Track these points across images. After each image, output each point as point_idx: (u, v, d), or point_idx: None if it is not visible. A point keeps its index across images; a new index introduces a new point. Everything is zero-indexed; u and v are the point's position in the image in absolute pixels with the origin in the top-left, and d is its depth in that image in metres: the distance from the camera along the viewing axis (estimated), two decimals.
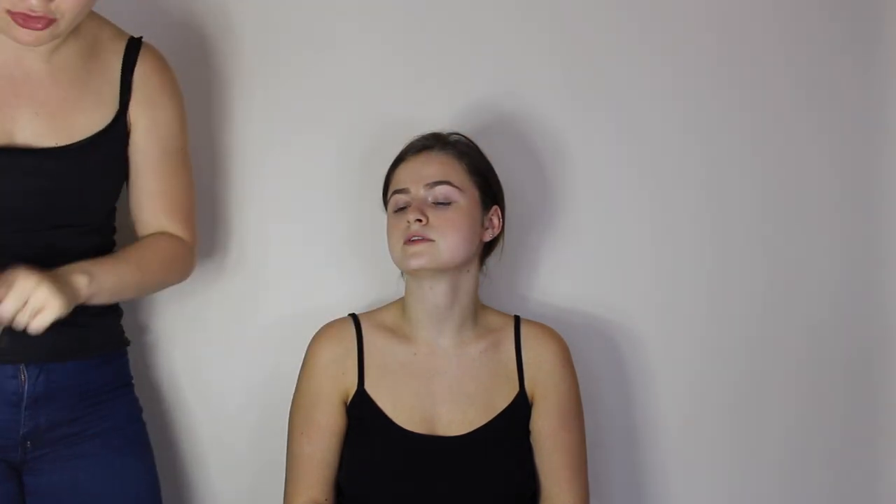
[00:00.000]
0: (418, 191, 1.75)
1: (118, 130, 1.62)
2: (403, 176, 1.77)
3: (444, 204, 1.73)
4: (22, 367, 1.56)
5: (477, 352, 1.80)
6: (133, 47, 1.66)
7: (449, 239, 1.71)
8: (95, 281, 1.50)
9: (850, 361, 2.16)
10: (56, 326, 1.41)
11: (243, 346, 1.98)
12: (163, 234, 1.68)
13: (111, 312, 1.69)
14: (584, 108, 2.04)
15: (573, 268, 2.05)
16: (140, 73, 1.65)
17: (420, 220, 1.71)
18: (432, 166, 1.76)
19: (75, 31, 1.56)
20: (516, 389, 1.79)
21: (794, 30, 2.10)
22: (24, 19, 1.44)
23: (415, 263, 1.71)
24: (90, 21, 1.59)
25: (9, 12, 1.45)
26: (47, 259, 1.48)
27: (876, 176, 2.15)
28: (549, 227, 2.05)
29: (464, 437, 1.75)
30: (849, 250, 2.15)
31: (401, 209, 1.76)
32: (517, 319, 1.84)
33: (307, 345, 1.81)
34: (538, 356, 1.81)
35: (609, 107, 2.04)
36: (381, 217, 1.84)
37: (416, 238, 1.71)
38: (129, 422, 1.70)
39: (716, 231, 2.09)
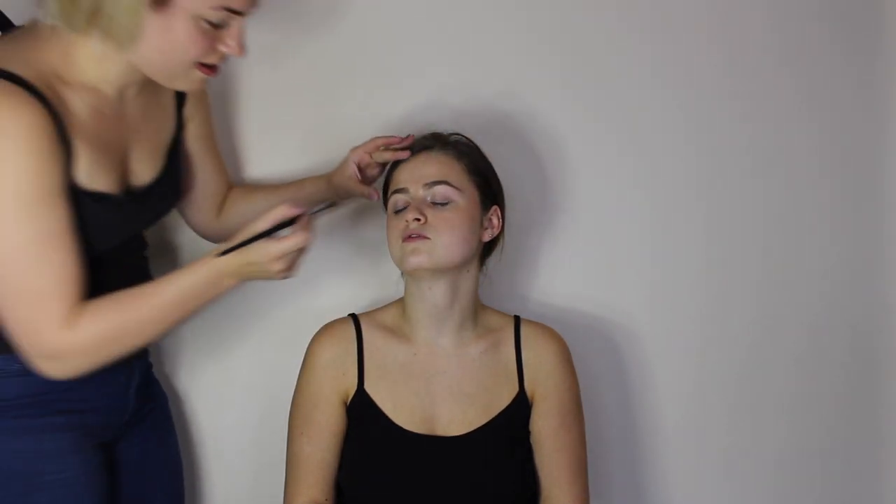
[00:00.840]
0: (417, 190, 1.74)
1: (180, 130, 1.69)
2: (403, 176, 1.77)
3: (442, 204, 1.73)
4: (133, 360, 1.67)
5: (477, 352, 1.80)
6: None
7: (447, 238, 1.71)
8: None
9: (849, 360, 2.16)
10: None
11: (243, 346, 1.98)
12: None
13: None
14: (585, 109, 2.03)
15: (573, 268, 2.05)
16: None
17: (418, 220, 1.70)
18: (431, 166, 1.76)
19: None
20: (516, 390, 1.79)
21: (795, 32, 2.09)
22: (212, 69, 1.51)
23: (413, 262, 1.71)
24: None
25: (200, 65, 1.48)
26: (138, 278, 1.59)
27: (876, 175, 2.15)
28: (549, 227, 2.04)
29: (463, 437, 1.75)
30: (847, 249, 2.14)
31: (400, 209, 1.75)
32: (517, 319, 1.84)
33: (307, 345, 1.80)
34: (538, 356, 1.80)
35: (609, 107, 2.04)
36: (381, 217, 1.83)
37: (413, 235, 1.71)
38: (165, 401, 1.85)
39: (715, 231, 2.09)
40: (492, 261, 1.86)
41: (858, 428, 2.18)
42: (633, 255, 2.07)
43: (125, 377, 1.67)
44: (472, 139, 1.83)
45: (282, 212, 1.50)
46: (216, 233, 1.84)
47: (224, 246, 1.51)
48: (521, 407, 1.78)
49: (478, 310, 1.82)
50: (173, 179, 1.67)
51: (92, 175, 1.48)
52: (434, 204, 1.73)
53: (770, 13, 2.08)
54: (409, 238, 1.71)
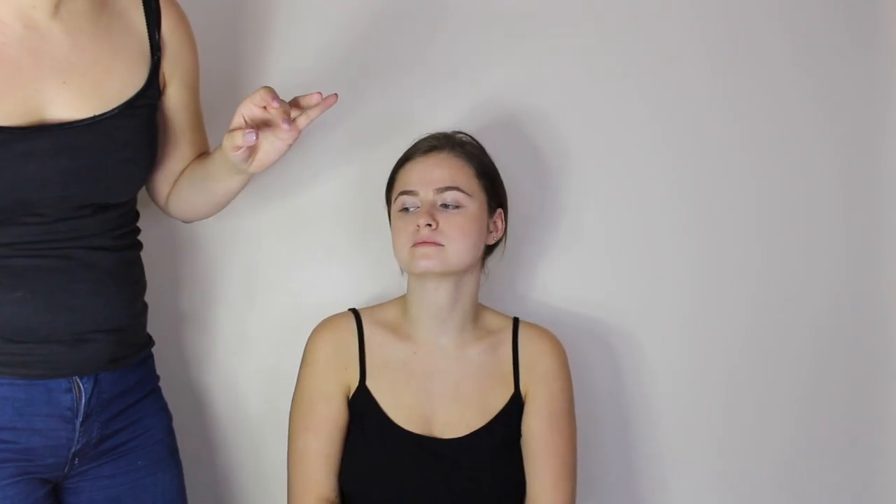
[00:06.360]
0: (427, 194, 1.73)
1: (153, 91, 1.52)
2: (412, 177, 1.75)
3: (452, 208, 1.72)
4: (75, 378, 1.45)
5: (476, 353, 1.79)
6: None
7: (458, 244, 1.70)
8: None
9: (848, 360, 2.17)
10: (106, 335, 1.40)
11: (242, 343, 1.96)
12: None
13: (144, 310, 1.61)
14: (585, 111, 2.03)
15: (572, 269, 2.05)
16: (167, 28, 1.55)
17: (430, 225, 1.69)
18: (442, 169, 1.74)
19: None
20: (511, 391, 1.78)
21: (796, 31, 2.10)
22: None
23: (423, 266, 1.70)
24: None
25: None
26: (69, 247, 1.41)
27: (877, 175, 2.16)
28: (549, 228, 2.04)
29: (460, 439, 1.75)
30: (848, 251, 2.15)
31: (408, 211, 1.74)
32: (516, 321, 1.83)
33: (306, 340, 1.79)
34: (534, 357, 1.80)
35: (610, 109, 2.04)
36: (382, 212, 1.83)
37: (426, 241, 1.70)
38: (165, 433, 1.61)
39: (714, 234, 2.10)
40: (492, 261, 1.86)
41: (860, 429, 2.18)
42: (632, 257, 2.07)
43: (68, 401, 1.44)
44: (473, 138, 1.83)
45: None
46: (177, 214, 1.69)
47: None
48: (516, 408, 1.78)
49: (478, 310, 1.82)
50: (116, 133, 1.45)
51: None
52: (444, 207, 1.72)
53: (773, 13, 2.09)
54: (421, 244, 1.70)
